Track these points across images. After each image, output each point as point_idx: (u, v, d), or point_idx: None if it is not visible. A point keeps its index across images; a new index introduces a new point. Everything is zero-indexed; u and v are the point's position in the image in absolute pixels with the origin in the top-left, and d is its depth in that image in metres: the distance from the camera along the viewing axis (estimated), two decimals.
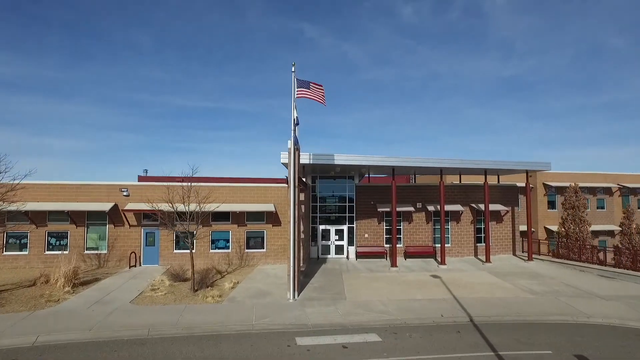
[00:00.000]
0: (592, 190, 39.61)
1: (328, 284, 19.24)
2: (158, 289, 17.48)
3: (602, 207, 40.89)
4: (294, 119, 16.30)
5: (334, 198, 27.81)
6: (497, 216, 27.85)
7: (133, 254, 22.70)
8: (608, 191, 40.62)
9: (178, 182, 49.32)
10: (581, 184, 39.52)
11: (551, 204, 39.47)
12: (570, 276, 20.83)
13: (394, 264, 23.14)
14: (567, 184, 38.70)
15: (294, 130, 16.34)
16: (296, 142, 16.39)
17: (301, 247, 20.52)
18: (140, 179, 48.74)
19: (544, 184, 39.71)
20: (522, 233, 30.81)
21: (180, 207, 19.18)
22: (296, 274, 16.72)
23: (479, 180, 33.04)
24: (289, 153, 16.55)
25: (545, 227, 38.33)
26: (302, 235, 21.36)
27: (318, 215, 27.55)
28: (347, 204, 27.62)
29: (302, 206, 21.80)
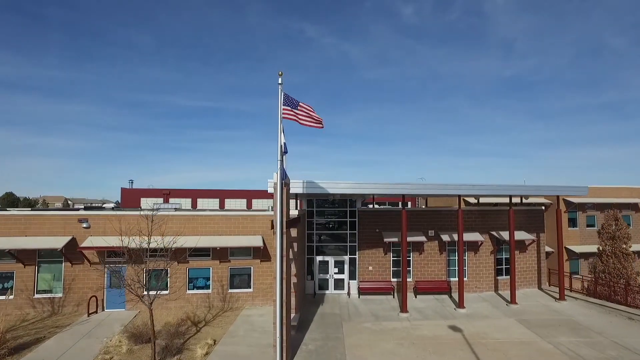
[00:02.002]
0: (618, 206, 35.99)
1: (325, 344, 15.58)
2: (111, 358, 13.84)
3: (628, 225, 37.24)
4: (281, 146, 12.66)
5: (333, 225, 24.16)
6: (521, 245, 24.22)
7: (94, 298, 19.04)
8: (634, 207, 36.97)
9: (165, 194, 45.72)
10: (604, 200, 35.93)
11: (572, 222, 35.84)
12: (621, 329, 17.17)
13: (404, 308, 19.49)
14: (589, 200, 35.11)
15: (282, 160, 12.70)
16: (284, 176, 12.75)
17: (292, 295, 16.94)
18: (124, 191, 45.13)
19: (564, 200, 36.06)
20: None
21: (145, 244, 15.58)
22: (284, 341, 13.10)
23: (497, 200, 29.43)
24: (275, 190, 12.92)
25: (565, 247, 34.68)
26: (294, 279, 17.73)
27: (315, 244, 23.90)
28: (348, 232, 23.97)
29: (295, 244, 18.19)
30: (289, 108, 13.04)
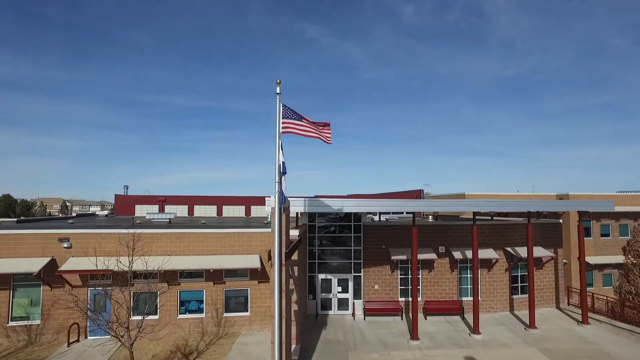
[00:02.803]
0: (635, 215, 34.37)
1: None
2: None
3: None
4: (279, 166, 10.99)
5: (337, 240, 22.51)
6: (537, 262, 22.54)
7: (75, 326, 17.38)
8: None
9: (160, 201, 43.99)
10: (620, 209, 34.28)
11: (586, 231, 34.26)
12: None
13: (414, 335, 17.80)
14: (605, 209, 33.50)
15: (280, 182, 11.02)
16: (283, 201, 11.08)
17: (292, 323, 15.29)
18: (118, 198, 43.46)
19: None
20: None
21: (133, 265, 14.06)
22: None
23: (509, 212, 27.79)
24: (272, 216, 11.28)
25: (578, 259, 33.08)
26: (295, 307, 16.08)
27: (317, 261, 22.26)
28: (352, 248, 22.32)
29: (295, 267, 16.55)
30: (290, 121, 11.38)
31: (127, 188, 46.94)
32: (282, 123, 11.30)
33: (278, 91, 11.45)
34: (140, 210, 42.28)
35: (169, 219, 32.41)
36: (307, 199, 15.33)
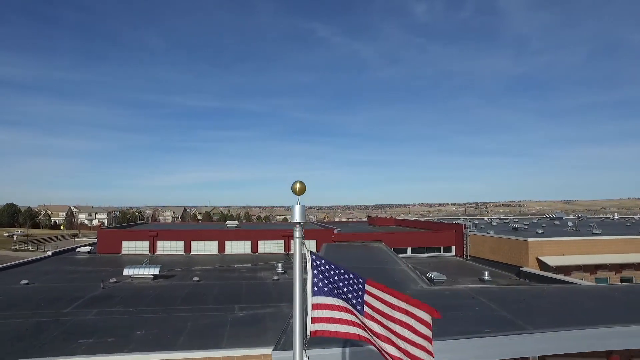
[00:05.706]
0: None
1: None
2: None
3: None
4: None
5: None
6: None
7: None
8: None
9: (151, 237, 37.29)
10: None
11: None
12: None
13: None
14: None
15: None
16: None
17: None
18: (101, 234, 36.89)
19: None
20: None
21: None
22: None
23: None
24: None
25: None
26: None
27: None
28: None
29: None
30: (328, 304, 4.32)
31: (116, 217, 40.35)
32: (314, 310, 4.26)
33: (297, 219, 4.45)
34: (128, 248, 35.84)
35: (153, 274, 25.79)
36: None
